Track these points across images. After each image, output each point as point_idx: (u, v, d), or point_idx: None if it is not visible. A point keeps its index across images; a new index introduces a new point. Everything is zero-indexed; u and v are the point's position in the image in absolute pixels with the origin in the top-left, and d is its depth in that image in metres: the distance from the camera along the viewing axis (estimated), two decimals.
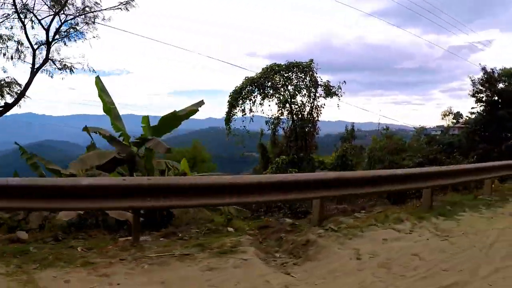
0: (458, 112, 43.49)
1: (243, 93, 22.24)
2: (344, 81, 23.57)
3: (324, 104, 22.99)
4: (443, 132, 36.12)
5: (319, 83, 22.76)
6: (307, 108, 22.73)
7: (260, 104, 22.59)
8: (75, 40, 16.23)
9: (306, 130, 22.84)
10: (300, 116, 22.71)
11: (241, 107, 22.36)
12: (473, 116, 28.16)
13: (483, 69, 26.22)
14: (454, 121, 42.83)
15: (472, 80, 26.78)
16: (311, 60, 22.64)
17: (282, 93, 22.42)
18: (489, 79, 25.81)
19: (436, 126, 43.33)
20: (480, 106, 26.94)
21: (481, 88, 26.38)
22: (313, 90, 22.52)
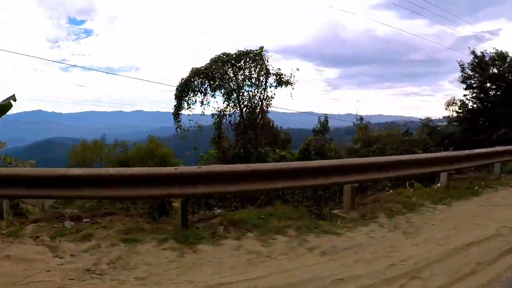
0: (462, 101, 43.19)
1: (193, 86, 21.43)
2: (297, 68, 22.27)
3: (275, 94, 22.05)
4: (448, 122, 34.73)
5: (271, 71, 21.69)
6: (257, 99, 21.88)
7: (213, 96, 21.73)
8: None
9: (256, 122, 21.89)
10: (249, 107, 21.83)
11: (190, 100, 21.58)
12: (466, 103, 26.68)
13: (473, 53, 25.18)
14: (460, 110, 42.58)
15: (461, 65, 25.69)
16: (261, 48, 21.87)
17: (228, 84, 21.55)
18: (480, 64, 24.70)
19: (442, 117, 43.17)
20: (472, 93, 25.57)
21: (471, 73, 25.24)
22: (263, 79, 21.64)
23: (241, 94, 21.63)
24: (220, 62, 21.14)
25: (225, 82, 21.41)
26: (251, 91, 21.62)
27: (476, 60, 24.92)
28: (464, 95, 25.81)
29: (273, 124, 29.62)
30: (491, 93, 24.88)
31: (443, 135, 25.00)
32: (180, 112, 21.40)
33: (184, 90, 21.13)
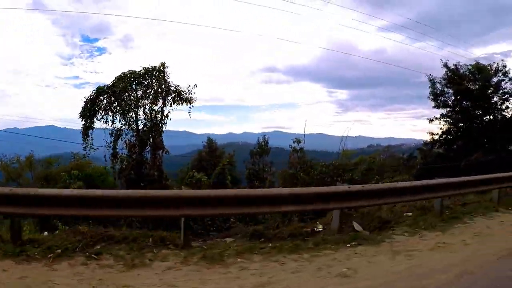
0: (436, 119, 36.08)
1: (99, 104, 20.55)
2: (195, 85, 21.33)
3: (169, 113, 21.10)
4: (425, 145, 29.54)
5: (172, 88, 21.06)
6: (157, 118, 21.10)
7: (123, 114, 20.73)
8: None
9: (151, 142, 20.83)
10: (146, 127, 20.95)
11: (100, 119, 20.65)
12: (441, 124, 23.15)
13: (445, 65, 21.97)
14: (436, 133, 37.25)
15: (430, 80, 22.40)
16: (163, 64, 21.23)
17: (127, 102, 20.73)
18: (452, 78, 21.71)
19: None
20: (448, 113, 22.46)
21: (444, 89, 22.32)
22: (161, 96, 20.93)
23: (137, 113, 20.82)
24: (125, 79, 20.48)
25: (126, 101, 20.59)
26: (149, 109, 20.79)
27: (449, 74, 21.85)
28: (441, 115, 22.57)
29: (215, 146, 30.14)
30: (466, 111, 21.98)
31: (426, 160, 23.11)
32: (90, 131, 20.45)
33: (90, 109, 20.23)
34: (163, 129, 21.11)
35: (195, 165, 27.79)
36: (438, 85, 22.33)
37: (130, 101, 20.66)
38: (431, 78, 22.29)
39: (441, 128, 22.71)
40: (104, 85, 20.73)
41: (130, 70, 20.95)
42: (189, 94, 21.32)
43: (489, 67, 21.53)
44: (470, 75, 21.77)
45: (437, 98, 22.42)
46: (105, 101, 20.60)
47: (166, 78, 21.15)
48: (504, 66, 21.25)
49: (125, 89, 20.40)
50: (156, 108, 20.82)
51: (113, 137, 20.69)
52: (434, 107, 22.59)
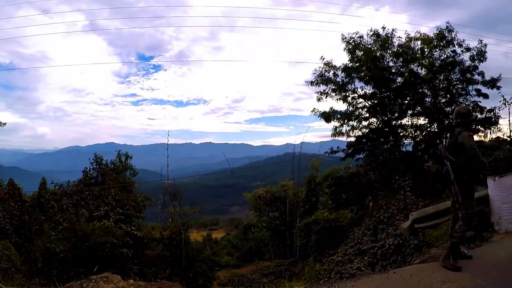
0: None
1: None
2: None
3: None
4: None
5: None
6: None
7: None
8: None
9: None
10: None
11: None
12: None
13: (343, 38, 18.88)
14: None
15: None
16: None
17: None
18: (352, 50, 18.71)
19: None
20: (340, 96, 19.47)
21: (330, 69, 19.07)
22: None
23: None
24: None
25: None
26: None
27: (348, 47, 18.85)
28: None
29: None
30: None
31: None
32: None
33: None
34: None
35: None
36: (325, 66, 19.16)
37: None
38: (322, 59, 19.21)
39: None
40: None
41: None
42: None
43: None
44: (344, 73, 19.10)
45: (323, 81, 19.24)
46: None
47: None
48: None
49: None
50: None
51: None
52: (320, 95, 19.58)
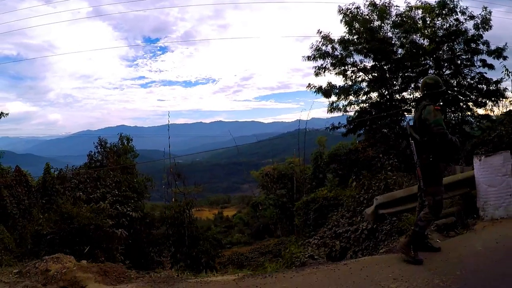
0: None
1: None
2: None
3: None
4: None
5: None
6: None
7: None
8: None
9: None
10: None
11: None
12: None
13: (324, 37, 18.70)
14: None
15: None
16: None
17: None
18: (350, 23, 18.35)
19: None
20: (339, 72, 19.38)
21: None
22: None
23: None
24: None
25: None
26: None
27: (346, 19, 18.29)
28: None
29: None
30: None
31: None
32: None
33: None
34: None
35: None
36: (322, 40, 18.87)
37: None
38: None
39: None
40: None
41: None
42: None
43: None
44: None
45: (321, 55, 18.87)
46: None
47: None
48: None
49: None
50: None
51: None
52: (318, 69, 19.36)
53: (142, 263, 14.08)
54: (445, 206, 6.51)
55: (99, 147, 19.22)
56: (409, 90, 19.07)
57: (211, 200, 72.69)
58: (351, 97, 19.30)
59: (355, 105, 19.41)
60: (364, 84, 19.36)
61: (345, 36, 18.60)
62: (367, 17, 18.37)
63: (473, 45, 18.01)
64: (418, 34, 18.24)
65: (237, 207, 60.67)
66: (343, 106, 19.35)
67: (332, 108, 19.36)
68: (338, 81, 19.10)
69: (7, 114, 17.16)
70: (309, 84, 19.08)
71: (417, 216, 5.21)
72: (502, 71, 14.96)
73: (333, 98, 19.18)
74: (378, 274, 4.70)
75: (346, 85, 19.17)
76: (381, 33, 18.47)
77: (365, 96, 19.39)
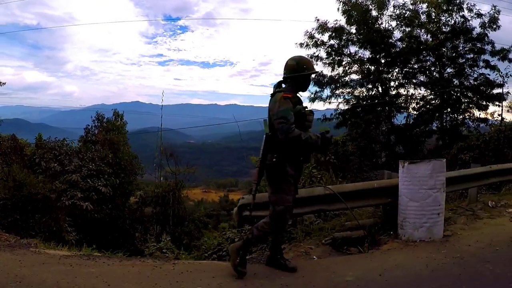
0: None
1: None
2: None
3: None
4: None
5: None
6: None
7: None
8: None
9: None
10: None
11: None
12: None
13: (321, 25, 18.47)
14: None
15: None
16: None
17: None
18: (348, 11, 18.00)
19: None
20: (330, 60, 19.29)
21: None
22: None
23: None
24: None
25: None
26: None
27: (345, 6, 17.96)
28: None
29: None
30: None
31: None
32: None
33: None
34: None
35: None
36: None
37: None
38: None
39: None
40: None
41: None
42: None
43: None
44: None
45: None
46: None
47: None
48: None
49: None
50: None
51: None
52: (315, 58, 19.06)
53: (116, 237, 14.63)
54: (360, 217, 5.93)
55: (96, 121, 19.79)
56: (407, 86, 19.01)
57: (219, 183, 73.45)
58: (341, 89, 19.18)
59: (339, 98, 19.31)
60: (356, 77, 19.27)
61: (340, 24, 18.36)
62: (366, 7, 18.07)
63: (478, 45, 17.79)
64: (423, 30, 18.05)
65: (244, 191, 61.32)
66: (326, 96, 19.26)
67: (315, 97, 19.45)
68: (329, 71, 18.82)
69: (4, 83, 17.93)
70: None
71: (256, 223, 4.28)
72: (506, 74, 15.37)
73: (316, 88, 19.24)
74: (192, 283, 3.78)
75: (336, 76, 19.00)
76: (378, 24, 18.24)
77: (356, 89, 19.34)
